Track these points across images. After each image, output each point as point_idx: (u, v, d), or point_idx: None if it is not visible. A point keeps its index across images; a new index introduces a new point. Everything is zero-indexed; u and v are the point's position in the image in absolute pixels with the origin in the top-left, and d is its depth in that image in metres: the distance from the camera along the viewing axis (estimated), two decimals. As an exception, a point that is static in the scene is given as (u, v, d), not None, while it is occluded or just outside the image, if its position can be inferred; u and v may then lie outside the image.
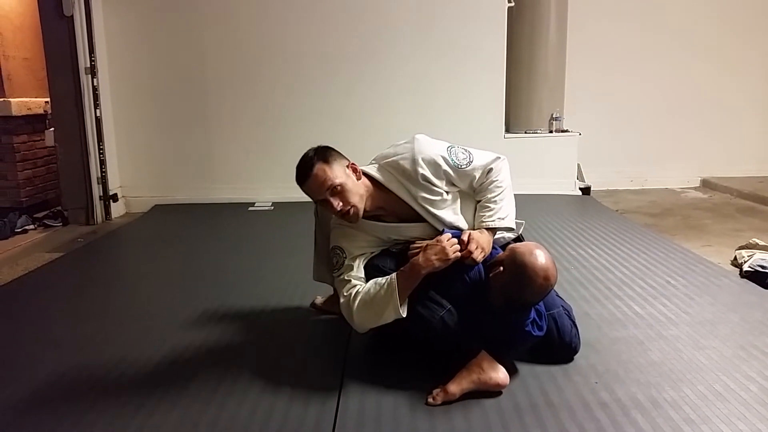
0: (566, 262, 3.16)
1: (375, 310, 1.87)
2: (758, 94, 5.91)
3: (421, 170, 1.97)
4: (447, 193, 2.03)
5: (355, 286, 1.92)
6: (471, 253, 1.88)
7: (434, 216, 2.01)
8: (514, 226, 2.07)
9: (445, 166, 1.99)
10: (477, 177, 2.04)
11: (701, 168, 5.90)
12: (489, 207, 2.02)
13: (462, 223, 2.05)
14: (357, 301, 1.89)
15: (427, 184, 1.99)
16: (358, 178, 1.99)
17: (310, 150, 1.98)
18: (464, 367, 1.84)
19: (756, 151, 5.96)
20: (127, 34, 4.95)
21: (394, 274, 1.88)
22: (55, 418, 1.78)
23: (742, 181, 5.56)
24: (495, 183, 2.04)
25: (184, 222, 4.57)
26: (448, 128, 4.80)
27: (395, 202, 2.02)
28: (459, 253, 1.89)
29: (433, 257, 1.86)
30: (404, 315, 1.84)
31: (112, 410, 1.81)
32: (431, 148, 2.02)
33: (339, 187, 1.92)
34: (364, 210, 1.98)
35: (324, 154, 1.96)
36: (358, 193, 1.96)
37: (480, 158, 2.06)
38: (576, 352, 2.07)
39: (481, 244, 1.92)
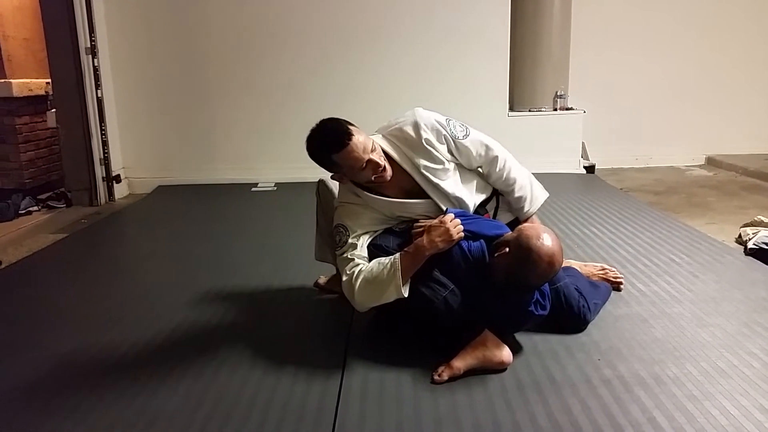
0: (570, 241, 3.15)
1: (377, 289, 1.86)
2: (763, 72, 5.84)
3: (424, 134, 1.99)
4: (448, 162, 2.04)
5: (357, 264, 1.92)
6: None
7: (435, 186, 2.02)
8: (546, 196, 2.23)
9: (444, 132, 2.03)
10: (473, 152, 2.07)
11: (706, 146, 5.85)
12: (522, 196, 2.14)
13: (464, 195, 2.05)
14: (359, 280, 1.88)
15: (430, 150, 2.00)
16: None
17: (326, 122, 1.95)
18: (468, 344, 1.85)
19: (761, 129, 5.90)
20: (128, 13, 4.91)
21: (397, 255, 1.88)
22: (59, 396, 1.80)
23: (748, 158, 5.52)
24: (505, 167, 2.11)
25: (187, 203, 4.57)
26: (452, 105, 4.70)
27: (399, 173, 2.02)
28: (462, 234, 1.88)
29: (437, 239, 1.86)
30: (406, 295, 1.84)
31: (116, 388, 1.83)
32: (431, 115, 2.06)
33: (373, 144, 1.93)
34: (368, 182, 1.98)
35: (345, 121, 1.95)
36: (381, 151, 1.98)
37: (476, 134, 2.10)
38: (586, 321, 2.08)
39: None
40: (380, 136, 2.07)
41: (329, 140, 1.91)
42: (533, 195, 2.17)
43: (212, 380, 1.86)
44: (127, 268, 3.13)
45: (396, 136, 2.04)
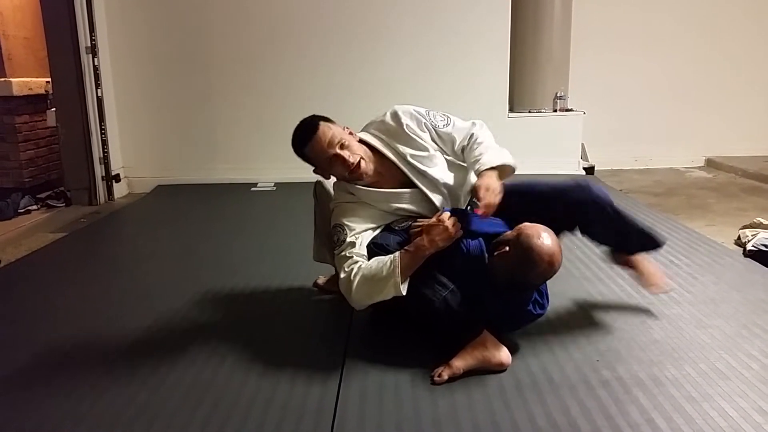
0: (569, 241, 3.13)
1: (375, 287, 1.86)
2: (763, 73, 5.85)
3: (404, 120, 2.05)
4: (433, 150, 2.06)
5: (357, 262, 1.91)
6: (486, 203, 1.83)
7: (423, 175, 2.03)
8: (512, 163, 2.02)
9: (425, 121, 2.07)
10: (458, 140, 2.08)
11: (706, 147, 5.86)
12: (481, 154, 1.97)
13: (453, 183, 2.08)
14: (358, 277, 1.87)
15: (413, 137, 2.04)
16: (356, 140, 2.04)
17: (304, 119, 2.04)
18: (468, 345, 1.85)
19: (761, 130, 5.91)
20: (128, 13, 4.90)
21: (397, 253, 1.88)
22: (58, 395, 1.80)
23: (747, 160, 5.52)
24: (478, 139, 2.04)
25: (186, 202, 4.58)
26: (452, 106, 4.69)
27: (390, 167, 2.05)
28: (461, 231, 1.89)
29: (437, 237, 1.86)
30: (404, 293, 1.83)
31: (116, 387, 1.83)
32: (410, 107, 2.11)
33: (346, 142, 1.97)
34: (366, 175, 2.00)
35: (322, 116, 2.03)
36: (362, 149, 2.01)
37: (459, 122, 2.12)
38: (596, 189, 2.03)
39: (491, 187, 1.85)
40: (365, 133, 2.11)
41: (297, 135, 2.02)
42: (500, 154, 1.99)
43: (212, 380, 1.86)
44: (127, 268, 3.13)
45: (379, 129, 2.09)
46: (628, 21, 5.62)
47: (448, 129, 2.08)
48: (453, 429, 1.58)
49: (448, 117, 2.12)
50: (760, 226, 3.19)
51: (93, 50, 4.52)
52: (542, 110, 5.32)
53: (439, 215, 1.90)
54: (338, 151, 1.95)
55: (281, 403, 1.71)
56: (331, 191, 2.21)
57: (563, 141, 5.25)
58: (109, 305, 2.53)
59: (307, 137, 1.98)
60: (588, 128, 5.33)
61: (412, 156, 2.03)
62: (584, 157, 5.38)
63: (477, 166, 1.95)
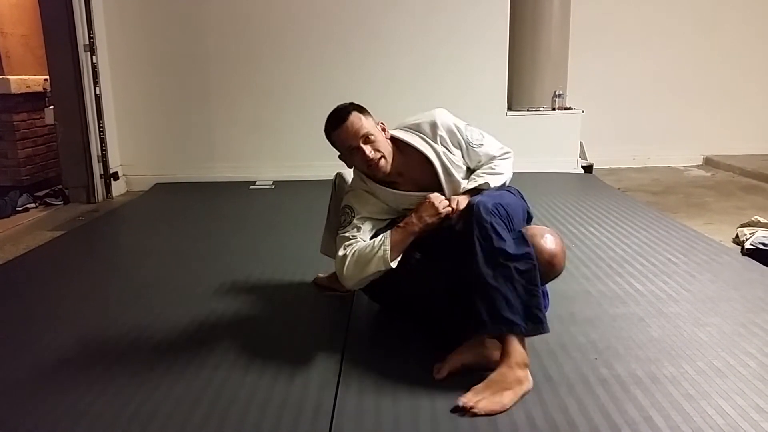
0: (568, 240, 3.15)
1: (365, 260, 1.88)
2: (762, 72, 5.85)
3: (440, 132, 2.04)
4: (462, 163, 2.06)
5: (359, 242, 1.94)
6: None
7: (451, 177, 2.02)
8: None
9: (459, 137, 2.05)
10: (482, 160, 2.08)
11: (704, 146, 5.86)
12: (479, 175, 2.03)
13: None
14: (353, 254, 1.90)
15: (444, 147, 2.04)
16: (386, 137, 2.04)
17: (341, 104, 2.04)
18: (466, 342, 1.85)
19: (759, 129, 5.92)
20: (126, 10, 4.90)
21: (389, 231, 1.90)
22: (56, 394, 1.80)
23: (745, 159, 5.53)
24: (492, 163, 2.08)
25: (185, 200, 4.57)
26: (451, 104, 4.71)
27: (416, 165, 2.03)
28: (450, 207, 1.91)
29: (424, 214, 1.89)
30: (394, 266, 1.85)
31: (114, 386, 1.83)
32: (450, 118, 2.09)
33: (372, 136, 1.97)
34: (384, 173, 2.01)
35: (358, 106, 2.03)
36: (387, 148, 2.01)
37: (491, 144, 2.10)
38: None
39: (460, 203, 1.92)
40: (398, 129, 2.10)
41: (328, 120, 2.02)
42: (494, 179, 2.04)
43: (210, 377, 1.86)
44: (125, 266, 3.13)
45: (415, 129, 2.08)
46: (626, 20, 5.63)
47: (480, 150, 2.07)
48: (451, 427, 1.58)
49: (483, 136, 2.10)
50: (758, 224, 3.20)
51: (91, 48, 4.51)
52: (541, 109, 5.32)
53: (428, 195, 1.93)
54: (361, 144, 1.96)
55: (279, 402, 1.71)
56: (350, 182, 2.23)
57: (562, 139, 5.26)
58: (107, 303, 2.52)
59: (335, 124, 1.99)
60: (586, 127, 5.34)
61: (445, 154, 2.03)
62: (583, 155, 5.38)
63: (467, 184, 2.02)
